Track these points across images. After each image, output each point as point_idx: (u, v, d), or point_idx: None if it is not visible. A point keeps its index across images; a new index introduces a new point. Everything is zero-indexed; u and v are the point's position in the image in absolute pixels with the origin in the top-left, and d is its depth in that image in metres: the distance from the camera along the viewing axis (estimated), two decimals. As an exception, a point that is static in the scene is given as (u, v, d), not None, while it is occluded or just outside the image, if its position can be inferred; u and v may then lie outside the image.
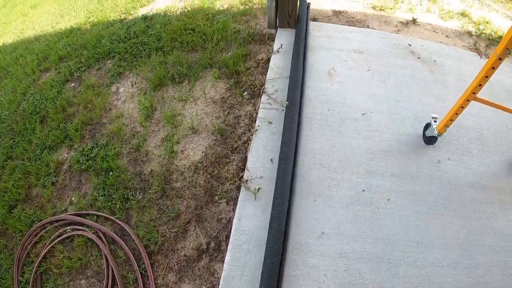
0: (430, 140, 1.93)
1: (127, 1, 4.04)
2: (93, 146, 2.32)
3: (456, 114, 1.68)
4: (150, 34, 3.08)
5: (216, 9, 3.27)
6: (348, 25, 2.81)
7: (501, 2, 4.29)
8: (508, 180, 1.85)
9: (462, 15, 3.35)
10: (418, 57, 2.56)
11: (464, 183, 1.81)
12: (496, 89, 2.34)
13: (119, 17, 3.72)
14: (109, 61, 3.01)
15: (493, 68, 1.38)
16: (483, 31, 3.12)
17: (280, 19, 2.62)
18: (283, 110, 2.05)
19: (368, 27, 2.81)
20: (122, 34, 3.17)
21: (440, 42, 2.88)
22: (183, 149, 2.17)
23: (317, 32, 2.65)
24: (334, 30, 2.71)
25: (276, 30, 2.67)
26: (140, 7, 3.91)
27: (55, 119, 2.57)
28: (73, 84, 2.93)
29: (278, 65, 2.37)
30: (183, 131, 2.20)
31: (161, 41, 2.91)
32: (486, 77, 1.42)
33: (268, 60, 2.43)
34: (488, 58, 2.90)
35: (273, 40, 2.61)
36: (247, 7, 3.14)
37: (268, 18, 2.63)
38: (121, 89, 2.76)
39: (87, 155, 2.27)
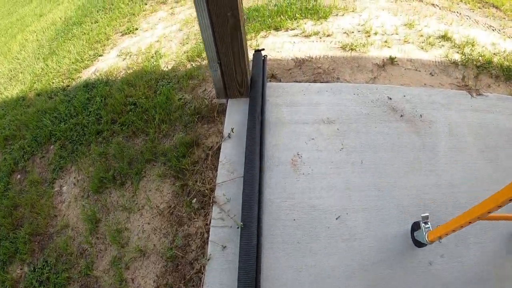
0: (419, 244, 1.46)
1: (71, 61, 3.56)
2: (44, 265, 2.02)
3: (462, 227, 1.20)
4: (90, 112, 2.68)
5: (161, 70, 2.72)
6: (314, 80, 2.29)
7: (479, 8, 3.78)
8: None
9: (444, 38, 2.85)
10: (401, 115, 2.06)
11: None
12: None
13: (62, 83, 3.30)
14: (51, 147, 2.63)
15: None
16: (470, 57, 2.62)
17: (229, 90, 2.09)
18: (238, 227, 1.55)
19: (338, 79, 2.28)
20: (63, 110, 2.78)
21: (425, 84, 2.38)
22: (133, 277, 1.80)
23: (277, 99, 2.19)
24: (298, 91, 2.19)
25: (227, 100, 2.14)
26: (83, 69, 3.45)
27: (4, 224, 2.26)
28: (19, 176, 2.57)
29: (230, 158, 1.85)
30: (131, 252, 1.83)
31: (101, 122, 2.52)
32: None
33: (219, 148, 1.90)
34: (479, 94, 2.41)
35: (224, 115, 2.09)
36: (194, 65, 2.59)
37: (216, 88, 2.10)
38: (64, 188, 2.36)
39: (39, 278, 1.97)
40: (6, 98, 3.64)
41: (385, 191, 1.77)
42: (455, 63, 2.65)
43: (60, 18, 4.96)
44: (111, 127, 2.41)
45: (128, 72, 2.94)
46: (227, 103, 2.24)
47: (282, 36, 2.85)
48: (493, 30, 3.38)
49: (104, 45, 3.62)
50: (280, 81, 2.35)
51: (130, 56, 3.23)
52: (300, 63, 2.48)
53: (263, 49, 2.42)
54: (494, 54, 2.84)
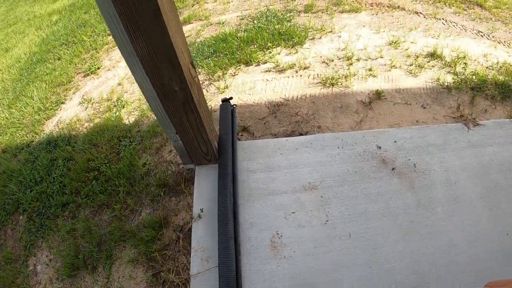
0: None
1: (34, 110, 3.30)
2: None
3: None
4: (54, 178, 2.42)
5: (123, 125, 2.41)
6: (292, 131, 1.97)
7: (463, 10, 3.45)
8: None
9: (433, 56, 2.53)
10: (393, 168, 1.75)
11: None
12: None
13: (26, 137, 3.05)
14: (20, 217, 2.39)
15: None
16: (462, 77, 2.32)
17: (195, 158, 1.77)
18: None
19: (319, 127, 1.96)
20: (28, 174, 2.54)
21: (417, 122, 2.06)
22: None
23: (250, 163, 1.92)
24: (274, 150, 1.87)
25: (195, 166, 1.82)
26: (46, 120, 3.17)
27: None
28: (-7, 253, 2.27)
29: (203, 243, 1.58)
30: None
31: (65, 193, 2.28)
32: None
33: (190, 229, 1.61)
34: (476, 124, 2.10)
35: (193, 183, 1.79)
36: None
37: (179, 155, 1.78)
38: (38, 267, 2.13)
39: None
40: None
41: (377, 267, 1.49)
42: (448, 88, 2.34)
43: (25, 54, 4.71)
44: (76, 199, 2.15)
45: (90, 125, 2.63)
46: (194, 168, 1.92)
47: (253, 72, 2.51)
48: (482, 36, 3.06)
49: (66, 90, 3.35)
50: (253, 135, 2.02)
51: (92, 104, 2.92)
52: (275, 109, 2.15)
53: (231, 98, 2.08)
54: (487, 67, 2.52)
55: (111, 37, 3.89)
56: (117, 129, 2.40)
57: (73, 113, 2.96)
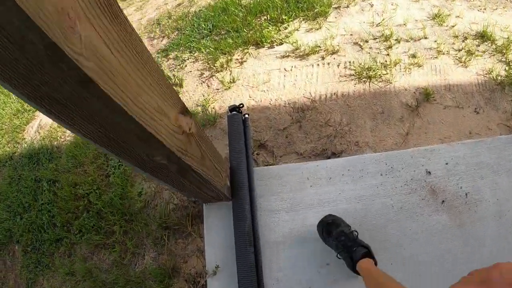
0: None
1: (12, 113, 2.93)
2: None
3: None
4: (41, 205, 2.06)
5: None
6: (323, 150, 1.50)
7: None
8: None
9: (482, 38, 1.98)
10: (443, 201, 1.44)
11: None
12: None
13: (8, 148, 2.72)
14: (16, 247, 2.10)
15: None
16: None
17: (201, 200, 1.30)
18: None
19: (357, 144, 1.49)
20: (14, 198, 2.24)
21: (470, 133, 1.60)
22: None
23: (272, 199, 1.51)
24: (301, 181, 1.43)
25: (202, 202, 1.37)
26: (25, 125, 2.78)
27: None
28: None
29: None
30: None
31: (56, 225, 1.92)
32: None
33: (204, 285, 1.23)
34: None
35: (202, 221, 1.37)
36: None
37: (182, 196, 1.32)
38: None
39: None
40: None
41: None
42: (501, 85, 1.82)
43: None
44: (68, 235, 1.81)
45: (72, 136, 2.21)
46: (202, 204, 1.45)
47: (266, 58, 1.90)
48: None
49: None
50: (273, 154, 1.52)
51: None
52: (299, 115, 1.61)
53: (242, 106, 1.52)
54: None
55: None
56: None
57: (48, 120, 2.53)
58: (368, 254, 1.15)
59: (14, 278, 2.00)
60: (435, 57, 1.96)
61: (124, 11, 2.50)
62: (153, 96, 0.61)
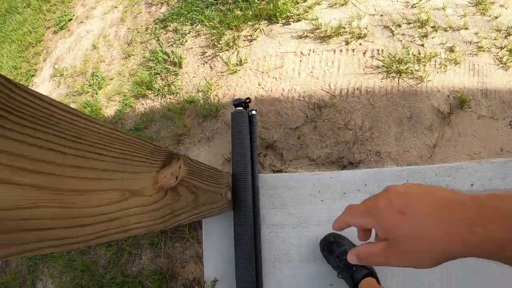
0: None
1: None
2: None
3: None
4: None
5: (102, 116, 1.82)
6: (338, 158, 1.32)
7: None
8: None
9: None
10: None
11: None
12: None
13: None
14: None
15: None
16: None
17: None
18: None
19: (378, 154, 1.33)
20: None
21: (501, 150, 1.54)
22: None
23: (277, 213, 1.41)
24: (311, 193, 1.28)
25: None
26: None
27: None
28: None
29: None
30: None
31: None
32: None
33: None
34: None
35: (200, 227, 1.22)
36: (145, 108, 1.55)
37: None
38: None
39: None
40: None
41: None
42: None
43: None
44: None
45: None
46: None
47: (280, 37, 1.61)
48: None
49: (36, 54, 2.66)
50: (282, 157, 1.31)
51: (64, 78, 2.24)
52: (315, 113, 1.37)
53: (249, 100, 1.29)
54: None
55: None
56: None
57: (45, 91, 2.28)
58: (371, 274, 1.02)
59: (16, 263, 1.91)
60: (475, 54, 1.67)
61: None
62: (113, 179, 0.47)
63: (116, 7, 2.25)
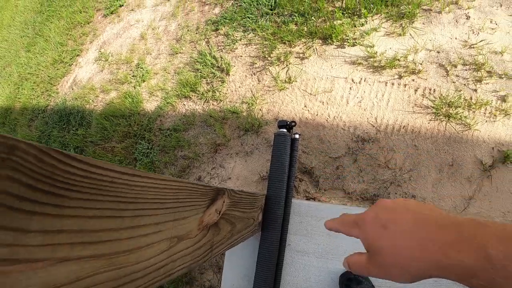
0: None
1: (49, 62, 2.72)
2: None
3: None
4: None
5: (142, 109, 1.81)
6: (373, 196, 1.21)
7: None
8: None
9: None
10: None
11: None
12: None
13: (41, 99, 2.56)
14: None
15: None
16: None
17: None
18: None
19: (413, 198, 1.18)
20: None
21: None
22: None
23: (304, 240, 1.34)
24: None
25: None
26: (61, 78, 2.56)
27: None
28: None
29: None
30: None
31: None
32: None
33: None
34: None
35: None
36: (187, 109, 1.53)
37: None
38: None
39: None
40: None
41: None
42: None
43: None
44: None
45: (105, 99, 2.00)
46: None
47: (333, 59, 1.51)
48: None
49: (83, 34, 2.63)
50: (317, 184, 1.25)
51: (109, 64, 2.23)
52: (357, 145, 1.29)
53: (294, 124, 1.19)
54: None
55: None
56: (134, 117, 1.55)
57: (88, 73, 2.32)
58: None
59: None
60: None
61: None
62: (165, 230, 0.44)
63: (168, 0, 2.13)
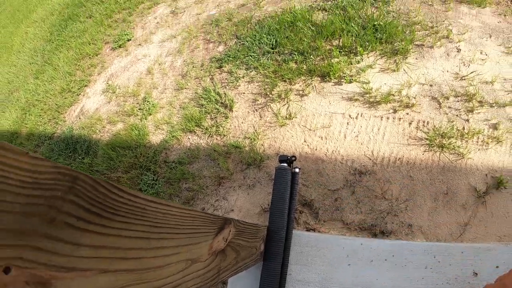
0: None
1: (57, 90, 3.12)
2: None
3: None
4: None
5: (148, 142, 2.09)
6: (371, 226, 1.52)
7: None
8: None
9: None
10: None
11: None
12: None
13: (48, 126, 2.91)
14: None
15: None
16: None
17: None
18: None
19: (410, 227, 1.53)
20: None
21: None
22: None
23: (304, 269, 1.51)
24: (340, 256, 1.53)
25: None
26: (68, 107, 2.95)
27: None
28: None
29: None
30: None
31: None
32: None
33: None
34: None
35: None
36: (191, 143, 1.81)
37: None
38: None
39: None
40: (2, 130, 3.45)
41: None
42: None
43: (59, 5, 4.80)
44: None
45: (112, 130, 2.30)
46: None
47: (331, 96, 1.82)
48: None
49: (92, 66, 3.05)
50: (317, 216, 1.51)
51: (116, 96, 2.59)
52: (355, 178, 1.56)
53: (295, 158, 1.46)
54: None
55: (148, -9, 3.23)
56: (140, 149, 1.84)
57: (95, 104, 2.67)
58: None
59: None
60: None
61: (183, 1, 2.43)
62: (182, 252, 0.59)
63: (175, 37, 2.52)
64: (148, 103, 2.25)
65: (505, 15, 2.35)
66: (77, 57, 3.27)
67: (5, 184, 0.26)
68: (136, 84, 2.47)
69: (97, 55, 3.07)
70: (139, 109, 2.28)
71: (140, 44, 2.74)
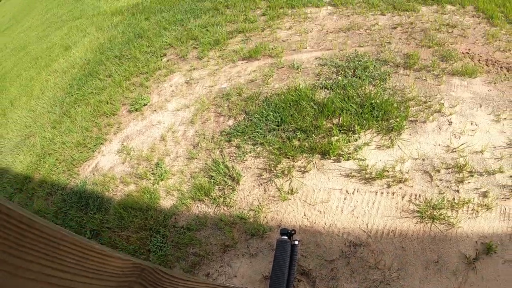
0: None
1: (73, 144, 3.65)
2: None
3: None
4: None
5: (158, 206, 2.53)
6: None
7: None
8: None
9: None
10: None
11: None
12: None
13: (62, 177, 3.36)
14: None
15: None
16: None
17: None
18: None
19: None
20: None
21: None
22: None
23: None
24: None
25: None
26: (83, 161, 3.45)
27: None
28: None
29: None
30: None
31: None
32: None
33: None
34: None
35: None
36: (200, 211, 2.19)
37: None
38: None
39: None
40: (16, 172, 3.89)
41: None
42: None
43: (80, 59, 5.60)
44: None
45: (124, 191, 2.74)
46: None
47: (330, 173, 2.23)
48: None
49: (108, 125, 3.59)
50: (313, 285, 1.88)
51: (130, 158, 3.07)
52: (350, 250, 1.93)
53: (294, 232, 1.86)
54: None
55: (165, 59, 4.13)
56: (151, 212, 2.29)
57: (110, 163, 3.12)
58: None
59: None
60: (507, 198, 2.14)
61: (197, 72, 3.18)
62: None
63: (188, 107, 3.10)
64: (160, 168, 2.74)
65: (495, 83, 2.82)
66: (95, 114, 3.82)
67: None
68: (150, 149, 2.99)
69: (114, 115, 3.63)
70: (152, 173, 2.77)
71: (155, 110, 3.31)
